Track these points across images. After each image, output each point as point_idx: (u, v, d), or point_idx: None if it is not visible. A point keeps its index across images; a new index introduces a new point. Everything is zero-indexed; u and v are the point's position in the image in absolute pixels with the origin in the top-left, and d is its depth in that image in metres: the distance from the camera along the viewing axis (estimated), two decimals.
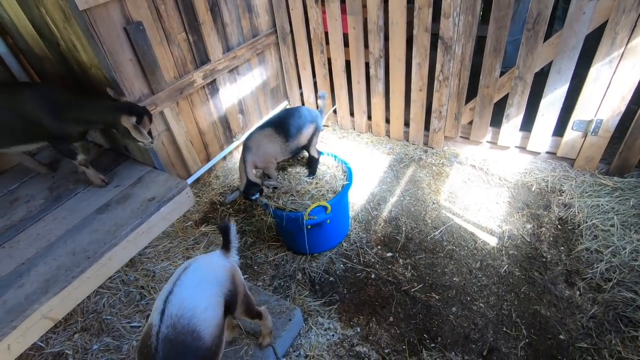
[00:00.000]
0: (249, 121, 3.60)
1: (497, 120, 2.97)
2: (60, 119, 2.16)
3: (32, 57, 2.66)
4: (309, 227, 2.27)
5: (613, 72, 2.38)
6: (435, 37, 2.79)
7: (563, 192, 2.71)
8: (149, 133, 2.21)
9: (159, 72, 2.58)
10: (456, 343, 2.03)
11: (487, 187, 2.91)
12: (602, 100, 2.50)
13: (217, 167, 3.42)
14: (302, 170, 2.55)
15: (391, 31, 2.94)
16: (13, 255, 2.09)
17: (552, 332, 2.02)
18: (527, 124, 2.87)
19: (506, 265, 2.35)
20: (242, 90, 3.41)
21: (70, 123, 2.20)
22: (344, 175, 2.48)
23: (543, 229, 2.54)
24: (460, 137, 3.25)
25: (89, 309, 2.36)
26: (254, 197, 2.33)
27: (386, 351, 2.03)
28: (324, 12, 3.15)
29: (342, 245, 2.63)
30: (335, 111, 3.71)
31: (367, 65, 3.24)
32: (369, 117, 3.59)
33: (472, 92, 2.93)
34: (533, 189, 2.82)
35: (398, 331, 2.12)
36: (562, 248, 2.41)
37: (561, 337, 1.99)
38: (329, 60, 3.42)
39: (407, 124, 3.39)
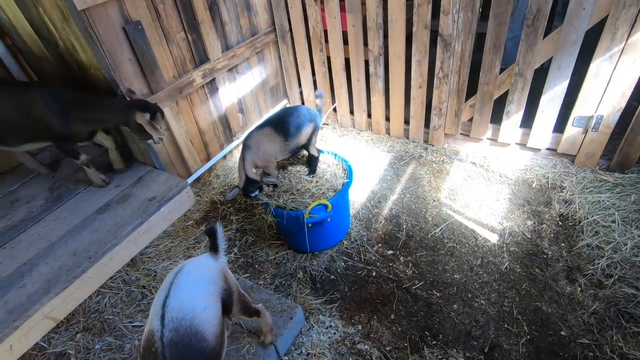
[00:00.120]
0: (248, 120, 3.59)
1: (497, 117, 2.96)
2: (68, 120, 2.16)
3: (30, 57, 2.66)
4: (310, 225, 2.27)
5: (613, 67, 2.37)
6: (434, 34, 2.78)
7: (564, 189, 2.71)
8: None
9: (158, 71, 2.57)
10: (457, 340, 2.03)
11: (487, 184, 2.91)
12: (603, 96, 2.49)
13: (218, 166, 3.42)
14: (302, 169, 2.55)
15: (390, 29, 2.93)
16: (14, 255, 2.09)
17: (553, 328, 2.02)
18: (528, 120, 2.86)
19: (507, 262, 2.35)
20: (242, 89, 3.41)
21: (80, 123, 2.21)
22: (345, 174, 2.48)
23: (544, 225, 2.53)
24: (461, 134, 3.24)
25: (91, 308, 2.36)
26: (253, 195, 2.33)
27: (387, 349, 2.04)
28: (323, 10, 3.15)
29: (343, 244, 2.63)
30: (335, 109, 3.71)
31: (366, 63, 3.24)
32: (369, 115, 3.58)
33: (472, 89, 2.93)
34: (534, 185, 2.81)
35: (399, 329, 2.12)
36: (563, 244, 2.41)
37: (562, 333, 1.99)
38: (329, 58, 3.42)
39: (407, 121, 3.38)
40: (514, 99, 2.78)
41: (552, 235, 2.47)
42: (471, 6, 2.57)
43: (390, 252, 2.54)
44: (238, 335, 1.94)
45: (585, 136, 2.70)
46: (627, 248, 2.25)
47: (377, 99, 3.36)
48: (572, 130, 2.73)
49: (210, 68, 2.95)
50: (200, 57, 2.90)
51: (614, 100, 2.47)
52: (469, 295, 2.22)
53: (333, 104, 3.67)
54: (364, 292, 2.33)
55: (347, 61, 3.35)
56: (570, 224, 2.51)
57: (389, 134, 3.56)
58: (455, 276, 2.33)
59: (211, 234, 1.67)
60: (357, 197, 2.97)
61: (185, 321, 1.28)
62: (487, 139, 3.14)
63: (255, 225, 2.84)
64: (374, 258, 2.51)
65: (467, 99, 3.02)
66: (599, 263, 2.22)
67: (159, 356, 1.20)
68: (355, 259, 2.53)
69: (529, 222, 2.57)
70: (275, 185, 2.41)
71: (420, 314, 2.17)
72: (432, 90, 3.04)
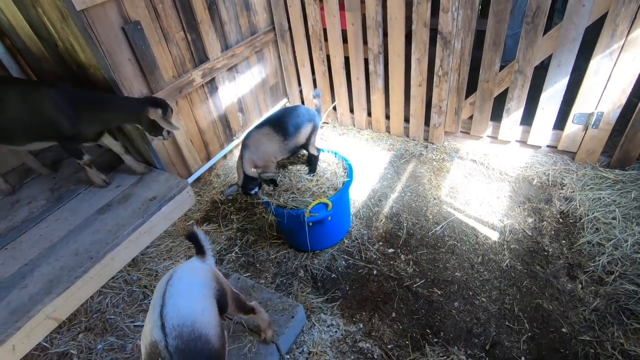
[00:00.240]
0: (248, 119, 3.59)
1: (497, 114, 2.96)
2: (77, 119, 2.15)
3: (30, 57, 2.66)
4: (310, 224, 2.27)
5: (613, 64, 2.37)
6: (434, 32, 2.77)
7: (564, 186, 2.71)
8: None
9: (157, 71, 2.57)
10: (459, 338, 2.04)
11: (488, 181, 2.91)
12: (603, 93, 2.49)
13: (218, 165, 3.42)
14: (302, 168, 2.55)
15: (390, 27, 2.92)
16: (16, 256, 2.09)
17: (554, 325, 2.02)
18: (528, 117, 2.86)
19: (508, 260, 2.36)
20: (242, 89, 3.41)
21: (90, 122, 2.21)
22: (345, 172, 2.48)
23: (544, 222, 2.54)
24: (461, 132, 3.24)
25: (93, 308, 2.37)
26: (252, 192, 2.33)
27: (389, 347, 2.04)
28: (322, 8, 3.14)
29: (344, 242, 2.64)
30: (335, 108, 3.70)
31: (366, 61, 3.23)
32: (369, 114, 3.58)
33: (472, 86, 2.93)
34: (534, 182, 2.81)
35: (401, 327, 2.13)
36: (563, 241, 2.41)
37: (563, 330, 1.99)
38: (328, 57, 3.42)
39: (407, 119, 3.38)
40: (514, 96, 2.77)
41: (552, 232, 2.47)
42: (470, 3, 2.56)
43: (391, 250, 2.54)
44: (240, 334, 1.95)
45: (585, 133, 2.70)
46: (627, 245, 2.25)
47: (377, 98, 3.36)
48: (572, 127, 2.72)
49: (209, 67, 2.95)
50: (200, 56, 2.90)
51: (614, 97, 2.46)
52: (470, 293, 2.23)
53: (333, 102, 3.67)
54: (365, 290, 2.33)
55: (346, 60, 3.34)
56: (570, 221, 2.51)
57: (389, 132, 3.56)
58: (456, 274, 2.33)
59: (192, 238, 1.65)
60: (358, 196, 2.97)
61: (186, 327, 1.27)
62: (488, 136, 3.14)
63: (256, 225, 2.84)
64: (374, 256, 2.51)
65: (467, 96, 3.02)
66: (599, 260, 2.22)
67: None
68: (356, 257, 2.53)
69: (530, 220, 2.57)
70: (275, 184, 2.41)
71: (422, 312, 2.18)
72: (432, 88, 3.04)
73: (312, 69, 3.61)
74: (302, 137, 2.40)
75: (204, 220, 2.93)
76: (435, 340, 2.04)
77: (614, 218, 2.40)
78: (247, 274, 2.51)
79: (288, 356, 2.03)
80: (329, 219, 2.32)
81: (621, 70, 2.36)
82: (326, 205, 2.24)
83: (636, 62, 2.30)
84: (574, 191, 2.64)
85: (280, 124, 2.33)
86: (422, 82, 3.05)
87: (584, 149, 2.76)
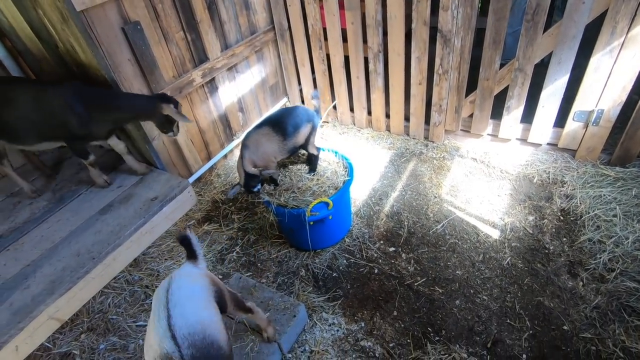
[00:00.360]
0: (249, 119, 3.60)
1: (497, 112, 2.96)
2: (90, 119, 2.15)
3: (30, 59, 2.66)
4: (311, 223, 2.27)
5: (614, 61, 2.36)
6: (434, 30, 2.77)
7: (565, 184, 2.71)
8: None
9: (157, 71, 2.57)
10: (460, 336, 2.04)
11: (488, 179, 2.91)
12: (603, 90, 2.48)
13: (218, 165, 3.43)
14: (303, 167, 2.56)
15: (390, 25, 2.92)
16: (18, 257, 2.10)
17: (555, 323, 2.02)
18: (528, 115, 2.86)
19: (509, 258, 2.36)
20: (242, 88, 3.41)
21: (102, 122, 2.22)
22: (345, 171, 2.48)
23: (545, 220, 2.54)
24: (461, 130, 3.24)
25: (95, 309, 2.38)
26: (255, 189, 2.34)
27: (391, 345, 2.05)
28: (321, 7, 3.14)
29: (345, 241, 2.64)
30: (335, 107, 3.70)
31: (366, 60, 3.23)
32: (369, 113, 3.58)
33: (472, 85, 2.92)
34: (535, 180, 2.81)
35: (402, 325, 2.13)
36: (564, 239, 2.41)
37: (565, 327, 2.00)
38: (328, 56, 3.41)
39: (407, 118, 3.38)
40: (514, 94, 2.77)
41: (553, 230, 2.47)
42: (470, 1, 2.56)
43: (392, 249, 2.54)
44: (242, 333, 1.96)
45: (586, 131, 2.70)
46: (628, 242, 2.25)
47: (377, 96, 3.36)
48: (572, 124, 2.72)
49: (209, 67, 2.95)
50: (200, 56, 2.90)
51: (614, 94, 2.46)
52: (471, 291, 2.23)
53: (333, 101, 3.67)
54: (367, 289, 2.34)
55: (346, 59, 3.34)
56: (571, 218, 2.51)
57: (389, 131, 3.56)
58: (457, 272, 2.34)
59: (185, 242, 1.61)
60: (358, 195, 2.97)
61: (197, 335, 1.26)
62: (488, 134, 3.14)
63: (257, 224, 2.85)
64: (375, 255, 2.52)
65: (467, 95, 3.01)
66: (600, 257, 2.23)
67: None
68: (357, 256, 2.53)
69: (531, 218, 2.57)
70: (276, 184, 2.42)
71: (423, 311, 2.18)
72: (432, 86, 3.04)
73: (312, 68, 3.61)
74: (301, 137, 2.40)
75: (205, 220, 2.93)
76: (436, 338, 2.05)
77: (614, 215, 2.40)
78: (249, 274, 2.51)
79: (290, 355, 2.04)
80: (330, 218, 2.32)
81: (621, 67, 2.35)
82: (327, 204, 2.25)
83: (636, 59, 2.30)
84: (574, 189, 2.64)
85: (279, 124, 2.34)
86: (422, 80, 3.05)
87: (585, 146, 2.76)
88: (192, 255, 1.61)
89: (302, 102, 3.93)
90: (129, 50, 2.38)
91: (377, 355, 2.01)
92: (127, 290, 2.46)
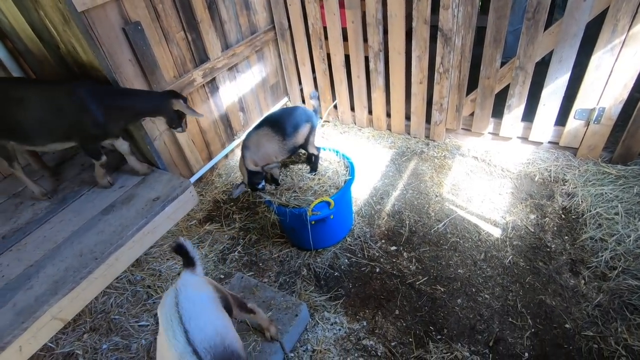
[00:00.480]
0: (249, 119, 3.60)
1: (498, 111, 2.96)
2: (105, 118, 2.15)
3: (32, 60, 2.67)
4: (313, 222, 2.28)
5: (615, 59, 2.36)
6: (434, 29, 2.77)
7: (566, 182, 2.71)
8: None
9: (158, 71, 2.58)
10: (462, 334, 2.04)
11: (489, 178, 2.91)
12: (604, 88, 2.48)
13: (220, 165, 3.43)
14: (304, 167, 2.56)
15: (390, 24, 2.92)
16: (21, 258, 2.11)
17: (557, 321, 2.02)
18: (529, 114, 2.85)
19: (510, 256, 2.36)
20: (242, 88, 3.41)
21: (117, 120, 2.23)
22: (346, 171, 2.48)
23: (547, 219, 2.54)
24: (462, 129, 3.24)
25: (97, 309, 2.38)
26: (260, 186, 2.34)
27: (392, 344, 2.05)
28: (322, 6, 3.14)
29: (346, 240, 2.64)
30: (335, 106, 3.70)
31: (366, 59, 3.23)
32: (370, 112, 3.58)
33: (472, 83, 2.92)
34: (536, 179, 2.81)
35: (404, 324, 2.13)
36: (566, 237, 2.41)
37: (567, 326, 2.00)
38: (328, 55, 3.41)
39: (408, 117, 3.38)
40: (515, 92, 2.77)
41: (555, 228, 2.47)
42: (471, 0, 2.56)
43: (393, 248, 2.55)
44: (244, 333, 1.96)
45: (587, 129, 2.69)
46: (630, 240, 2.25)
47: (378, 95, 3.36)
48: (574, 123, 2.72)
49: (210, 67, 2.95)
50: (200, 56, 2.90)
51: (615, 92, 2.46)
52: (473, 290, 2.23)
53: (334, 100, 3.67)
54: (368, 288, 2.34)
55: (347, 58, 3.34)
56: (573, 216, 2.51)
57: (390, 130, 3.56)
58: (459, 271, 2.34)
59: (181, 251, 1.56)
60: (360, 194, 2.97)
61: (218, 346, 1.25)
62: (489, 133, 3.13)
63: (258, 224, 2.85)
64: (377, 254, 2.52)
65: (468, 93, 3.01)
66: (602, 255, 2.22)
67: None
68: (359, 255, 2.54)
69: (532, 216, 2.57)
70: (277, 183, 2.42)
71: (425, 309, 2.18)
72: (432, 85, 3.03)
73: (312, 68, 3.61)
74: (300, 137, 2.40)
75: (207, 220, 2.94)
76: (438, 337, 2.05)
77: (616, 213, 2.40)
78: (250, 273, 2.52)
79: (292, 354, 2.04)
80: (331, 217, 2.32)
81: (623, 65, 2.35)
82: (328, 203, 2.25)
83: (638, 57, 2.29)
84: (576, 187, 2.64)
85: (279, 125, 2.34)
86: (423, 79, 3.04)
87: (586, 144, 2.76)
88: (189, 263, 1.57)
89: (303, 101, 3.93)
90: (129, 50, 2.38)
91: (379, 354, 2.02)
92: (130, 290, 2.46)
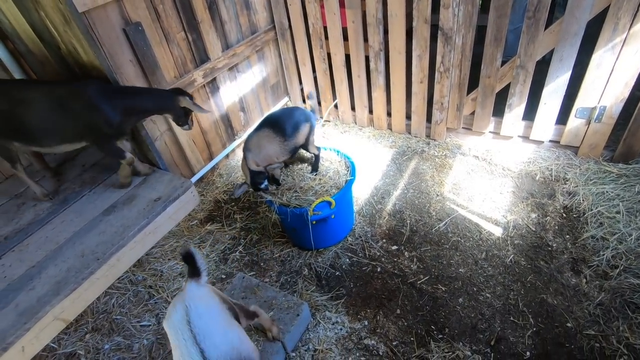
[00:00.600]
0: (250, 119, 3.60)
1: (499, 110, 2.95)
2: (117, 117, 2.15)
3: (33, 61, 2.67)
4: (314, 222, 2.28)
5: (616, 58, 2.36)
6: (435, 28, 2.77)
7: (567, 181, 2.70)
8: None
9: (159, 72, 2.58)
10: (464, 333, 2.04)
11: (490, 177, 2.91)
12: (605, 87, 2.48)
13: (220, 165, 3.43)
14: (305, 167, 2.56)
15: (390, 24, 2.92)
16: (23, 258, 2.11)
17: (559, 320, 2.02)
18: (530, 113, 2.85)
19: (512, 255, 2.36)
20: (243, 88, 3.41)
21: (127, 119, 2.23)
22: (347, 170, 2.48)
23: (548, 217, 2.53)
24: (463, 128, 3.24)
25: (99, 309, 2.39)
26: (263, 186, 2.34)
27: (394, 343, 2.05)
28: (322, 6, 3.14)
29: (347, 240, 2.64)
30: (336, 106, 3.70)
31: (367, 58, 3.23)
32: (370, 111, 3.58)
33: (473, 82, 2.92)
34: (537, 178, 2.81)
35: (405, 323, 2.13)
36: (567, 236, 2.41)
37: (568, 325, 2.00)
38: (329, 55, 3.41)
39: (408, 116, 3.38)
40: (516, 91, 2.77)
41: (556, 227, 2.47)
42: None
43: (394, 247, 2.55)
44: (246, 333, 1.96)
45: (588, 127, 2.69)
46: (632, 239, 2.24)
47: (378, 95, 3.36)
48: (575, 121, 2.72)
49: (210, 67, 2.95)
50: (201, 56, 2.91)
51: (616, 90, 2.45)
52: (474, 289, 2.23)
53: (334, 100, 3.67)
54: (370, 287, 2.34)
55: (347, 57, 3.34)
56: (574, 215, 2.51)
57: (390, 129, 3.56)
58: (460, 270, 2.34)
59: (190, 259, 1.51)
60: (361, 194, 2.97)
61: None
62: (490, 132, 3.13)
63: (259, 224, 2.85)
64: (378, 254, 2.52)
65: (468, 92, 3.01)
66: (604, 254, 2.22)
67: None
68: (360, 255, 2.54)
69: (533, 215, 2.57)
70: (278, 183, 2.42)
71: (426, 309, 2.18)
72: (433, 84, 3.03)
73: (312, 67, 3.61)
74: (300, 137, 2.41)
75: (208, 220, 2.94)
76: (440, 336, 2.05)
77: (617, 212, 2.39)
78: (252, 273, 2.52)
79: (294, 354, 2.05)
80: (332, 217, 2.32)
81: (624, 63, 2.35)
82: (329, 203, 2.25)
83: (639, 56, 2.29)
84: (577, 186, 2.64)
85: (279, 125, 2.34)
86: (424, 78, 3.04)
87: (587, 143, 2.75)
88: (195, 273, 1.52)
89: (304, 101, 3.93)
90: (130, 51, 2.39)
91: (380, 353, 2.02)
92: (131, 291, 2.47)
